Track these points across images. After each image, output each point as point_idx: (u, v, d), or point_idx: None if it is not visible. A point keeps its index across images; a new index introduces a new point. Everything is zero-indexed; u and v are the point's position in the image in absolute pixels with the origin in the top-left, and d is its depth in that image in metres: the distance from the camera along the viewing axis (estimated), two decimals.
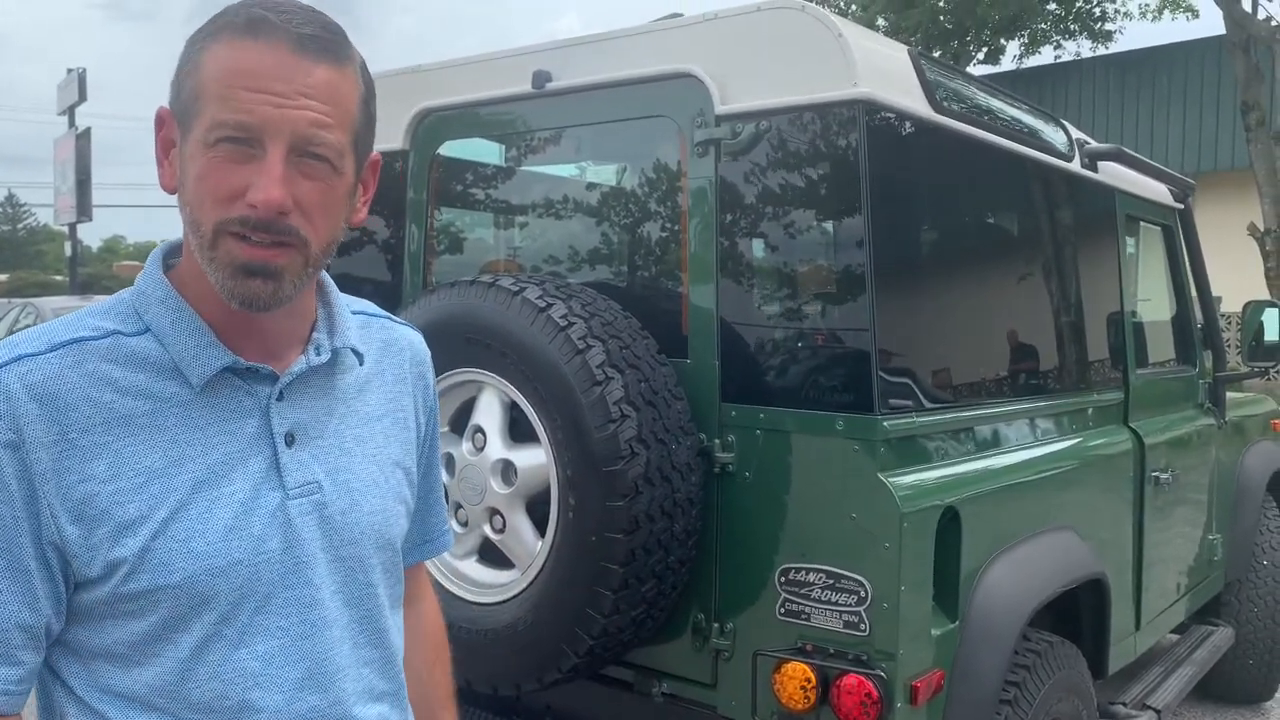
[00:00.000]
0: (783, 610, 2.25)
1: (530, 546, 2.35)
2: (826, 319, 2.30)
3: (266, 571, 1.05)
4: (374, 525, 1.15)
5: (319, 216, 1.02)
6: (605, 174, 2.74)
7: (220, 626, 1.03)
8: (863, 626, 2.16)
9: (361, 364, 1.18)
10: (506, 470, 2.37)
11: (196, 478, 1.02)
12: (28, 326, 11.84)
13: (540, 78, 2.63)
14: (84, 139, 22.11)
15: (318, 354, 1.11)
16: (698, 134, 2.39)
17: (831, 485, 2.22)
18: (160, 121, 1.06)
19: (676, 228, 2.55)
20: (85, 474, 0.99)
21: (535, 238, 3.08)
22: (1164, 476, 3.43)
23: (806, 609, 2.23)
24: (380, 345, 1.22)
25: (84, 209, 21.84)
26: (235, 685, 1.04)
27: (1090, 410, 3.18)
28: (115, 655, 1.03)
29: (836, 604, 2.19)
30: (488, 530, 2.43)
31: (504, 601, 2.37)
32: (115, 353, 1.02)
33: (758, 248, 2.37)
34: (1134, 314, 3.56)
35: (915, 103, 2.38)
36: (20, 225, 68.00)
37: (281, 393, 1.08)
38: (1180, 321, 4.09)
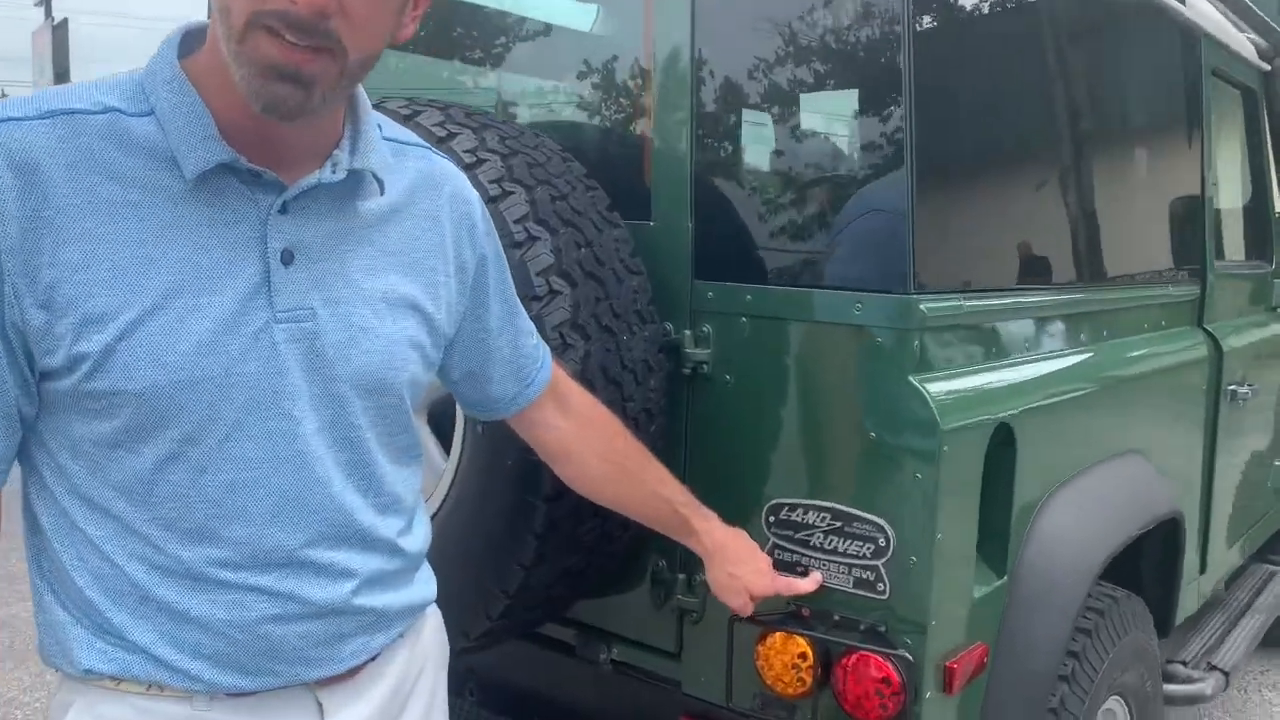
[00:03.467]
0: (772, 561, 1.65)
1: (434, 468, 1.75)
2: (844, 163, 1.66)
3: (239, 395, 0.98)
4: (370, 366, 1.05)
5: (363, 25, 0.94)
6: None
7: (184, 446, 0.97)
8: (881, 586, 1.56)
9: (382, 193, 1.07)
10: None
11: (175, 281, 0.94)
12: None
13: None
14: (61, 30, 20.94)
15: (333, 172, 1.01)
16: None
17: (843, 392, 1.60)
18: None
19: (637, 35, 1.88)
20: (56, 258, 0.92)
21: (461, 71, 2.40)
22: (1242, 390, 2.82)
23: (803, 560, 1.63)
24: (415, 177, 1.12)
25: None
26: (196, 509, 0.98)
27: (1162, 307, 2.55)
28: (82, 453, 0.98)
29: (845, 554, 1.59)
30: None
31: None
32: (111, 131, 0.94)
33: (748, 60, 1.71)
34: (1216, 193, 2.90)
35: None
36: None
37: (286, 205, 0.99)
38: (1256, 208, 3.43)
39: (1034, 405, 1.78)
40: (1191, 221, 2.73)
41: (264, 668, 1.04)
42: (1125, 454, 2.16)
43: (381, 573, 1.11)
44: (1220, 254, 2.93)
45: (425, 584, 1.23)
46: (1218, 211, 2.94)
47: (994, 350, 1.77)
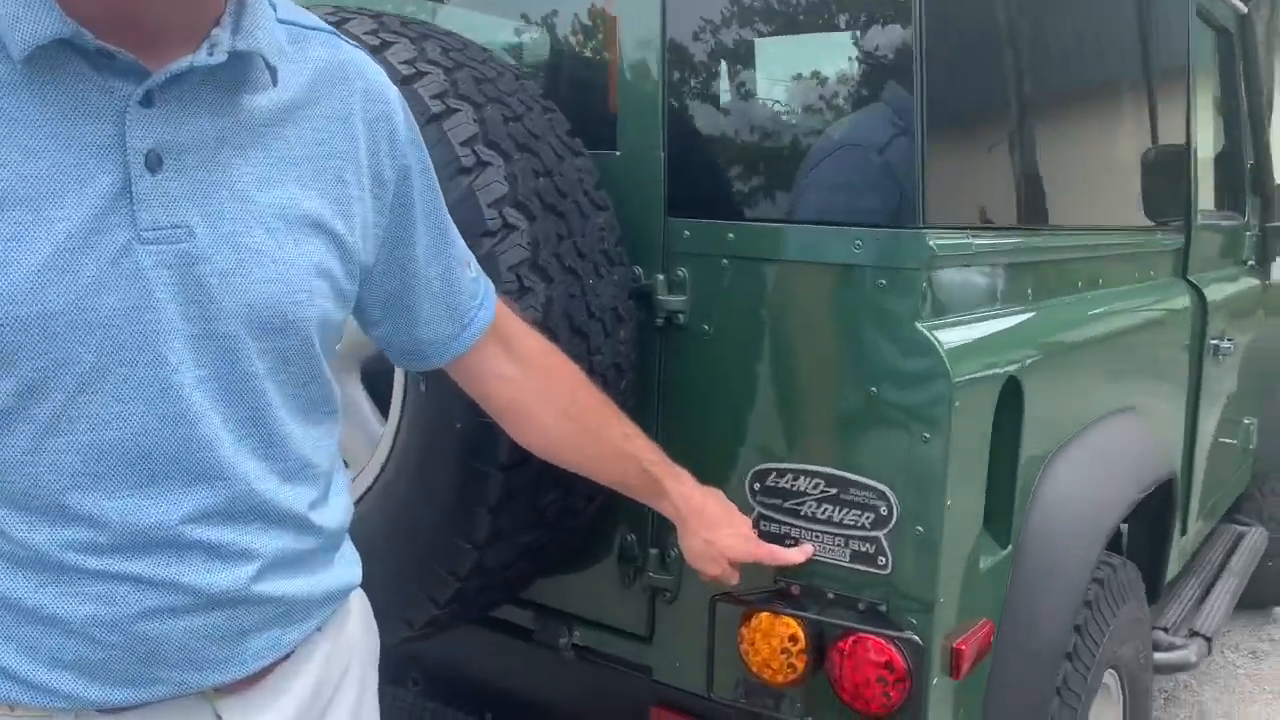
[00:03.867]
0: (756, 533, 1.47)
1: (369, 433, 1.53)
2: (844, 84, 1.46)
3: (95, 335, 0.75)
4: (266, 298, 0.82)
5: None
6: None
7: (25, 401, 0.75)
8: (882, 560, 1.39)
9: (275, 84, 0.84)
10: None
11: (5, 191, 0.72)
12: None
13: None
14: None
15: (210, 54, 0.78)
16: None
17: (839, 342, 1.41)
18: None
19: None
20: None
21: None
22: (1224, 345, 2.70)
23: (793, 531, 1.45)
24: (318, 67, 0.89)
25: None
26: (46, 481, 0.77)
27: (1151, 256, 2.41)
28: None
29: (841, 525, 1.41)
30: None
31: None
32: None
33: None
34: (1199, 139, 2.76)
35: None
36: None
37: (150, 95, 0.76)
38: (1229, 158, 3.32)
39: (1040, 357, 1.61)
40: (1177, 168, 2.59)
41: (144, 675, 0.84)
42: (1120, 411, 2.01)
43: (290, 553, 0.90)
44: (1204, 204, 2.81)
45: (347, 566, 1.02)
46: (1201, 159, 2.81)
47: (999, 296, 1.60)
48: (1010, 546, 1.57)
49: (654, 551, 1.59)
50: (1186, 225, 2.61)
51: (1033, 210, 1.79)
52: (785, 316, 1.45)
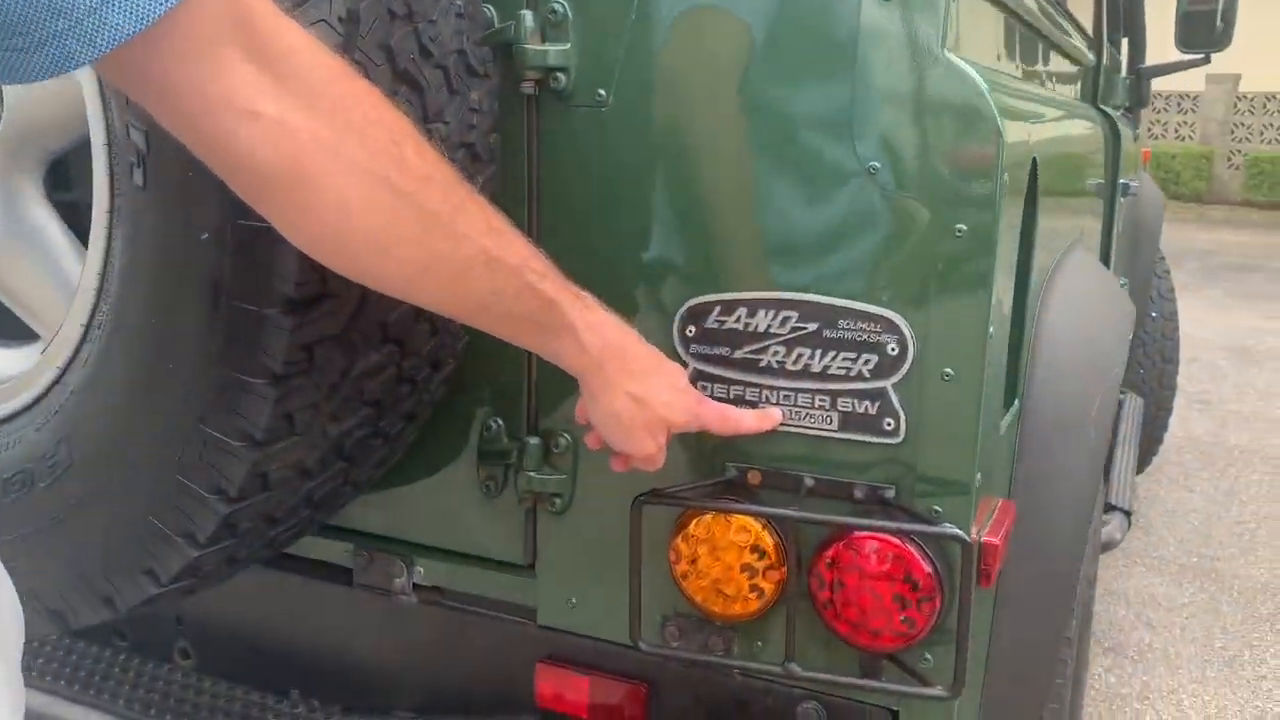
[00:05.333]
0: (687, 374, 0.97)
1: (60, 278, 0.93)
2: None
3: None
4: None
5: None
6: None
7: None
8: (890, 423, 0.93)
9: None
10: None
11: None
12: None
13: None
14: None
15: None
16: None
17: (819, 97, 0.91)
18: None
19: None
20: None
21: None
22: (1134, 185, 2.41)
23: (749, 393, 0.97)
24: None
25: None
26: None
27: (1080, 72, 2.04)
28: None
29: (825, 377, 0.94)
30: None
31: (5, 420, 0.96)
32: None
33: None
34: None
35: None
36: None
37: None
38: None
39: (1047, 144, 1.18)
40: None
41: None
42: (1078, 243, 1.64)
43: None
44: (1110, 31, 2.48)
45: None
46: None
47: (1000, 51, 1.15)
48: (1017, 401, 1.15)
49: (534, 441, 1.07)
50: (1098, 46, 2.27)
51: None
52: (728, 67, 0.94)
